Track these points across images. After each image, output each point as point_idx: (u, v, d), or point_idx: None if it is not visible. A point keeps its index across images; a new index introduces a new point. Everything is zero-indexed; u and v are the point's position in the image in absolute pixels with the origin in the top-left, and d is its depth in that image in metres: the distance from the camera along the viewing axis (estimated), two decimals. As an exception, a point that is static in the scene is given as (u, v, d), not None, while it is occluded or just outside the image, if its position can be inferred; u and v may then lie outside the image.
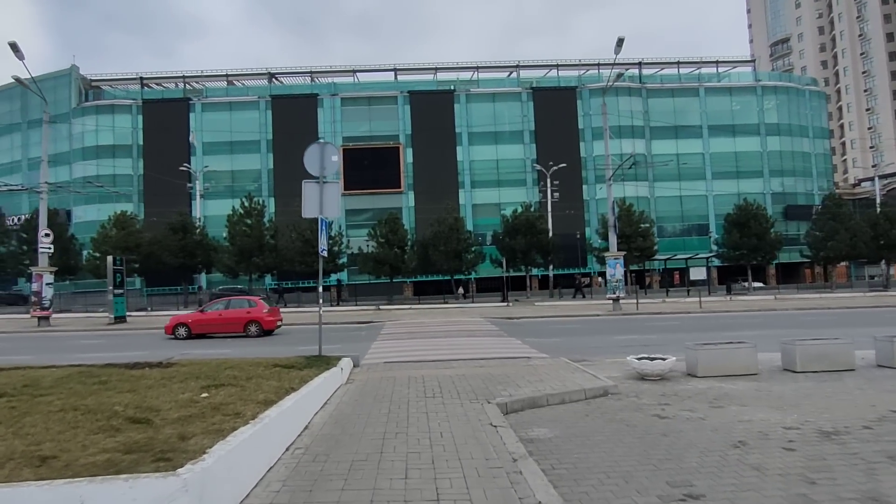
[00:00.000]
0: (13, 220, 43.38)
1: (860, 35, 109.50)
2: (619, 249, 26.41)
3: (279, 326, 20.10)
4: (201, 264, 37.55)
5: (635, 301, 27.17)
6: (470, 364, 10.95)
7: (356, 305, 36.25)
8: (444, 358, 11.97)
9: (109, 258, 25.58)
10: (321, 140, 10.90)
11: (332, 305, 36.70)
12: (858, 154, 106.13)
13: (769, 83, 59.50)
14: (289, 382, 6.95)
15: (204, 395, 6.02)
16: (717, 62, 59.60)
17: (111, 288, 25.39)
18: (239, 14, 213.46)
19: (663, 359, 9.75)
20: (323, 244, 10.70)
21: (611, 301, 26.34)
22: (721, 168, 56.72)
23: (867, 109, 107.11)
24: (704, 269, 38.98)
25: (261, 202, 37.96)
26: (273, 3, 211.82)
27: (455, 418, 6.59)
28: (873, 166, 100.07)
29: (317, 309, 11.97)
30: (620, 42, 24.19)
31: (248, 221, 36.81)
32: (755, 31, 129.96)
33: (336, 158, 10.85)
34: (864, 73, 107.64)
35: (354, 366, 11.04)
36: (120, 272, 26.20)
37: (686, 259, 40.01)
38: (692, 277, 38.96)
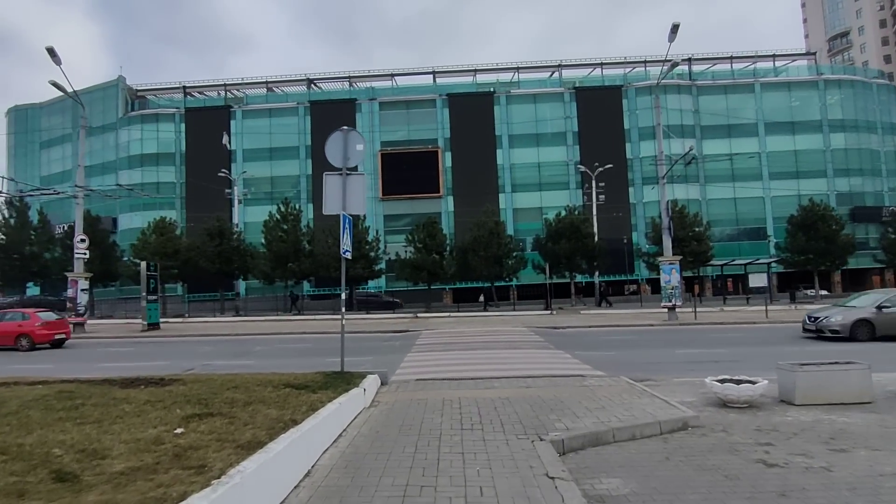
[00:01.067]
0: (61, 227, 44.24)
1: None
2: (673, 254, 24.32)
3: (60, 339, 19.21)
4: (238, 270, 37.19)
5: (692, 310, 24.98)
6: (514, 383, 9.44)
7: (393, 313, 35.11)
8: (485, 375, 10.49)
9: (143, 264, 25.19)
10: (345, 127, 9.67)
11: (366, 312, 35.68)
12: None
13: (832, 77, 55.67)
14: (292, 412, 5.62)
15: (179, 430, 4.75)
16: (773, 56, 56.20)
17: (144, 294, 24.97)
18: (285, 30, 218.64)
19: (752, 382, 8.02)
20: (346, 245, 9.42)
21: (665, 310, 24.26)
22: (779, 168, 53.25)
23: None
24: (765, 275, 36.07)
25: (297, 207, 37.38)
26: (318, 19, 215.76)
27: (498, 463, 5.12)
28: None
29: (345, 317, 10.73)
30: (675, 28, 22.28)
31: (284, 227, 36.24)
32: (811, 25, 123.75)
33: (361, 147, 9.58)
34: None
35: (382, 384, 9.71)
36: (154, 278, 25.78)
37: (745, 264, 37.18)
38: (752, 284, 36.09)
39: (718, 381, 8.28)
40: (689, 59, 55.32)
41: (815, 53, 61.75)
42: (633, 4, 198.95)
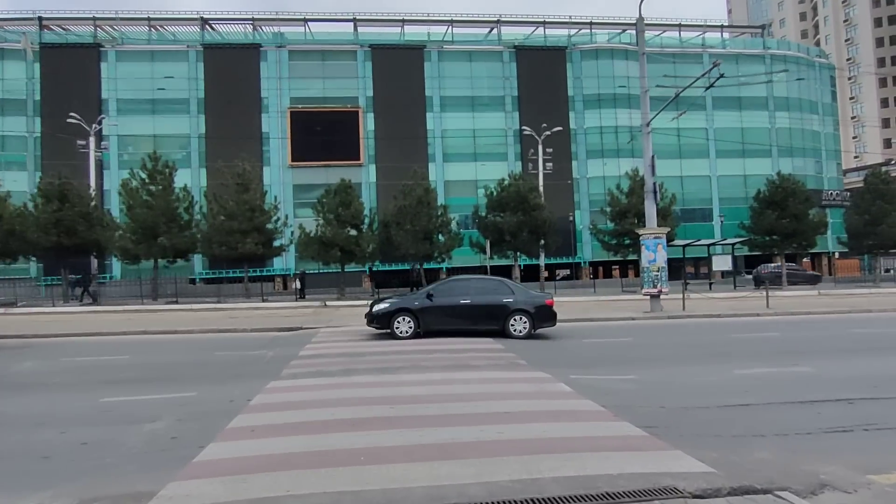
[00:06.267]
0: None
1: (845, 21, 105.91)
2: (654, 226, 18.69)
3: None
4: (88, 245, 28.10)
5: (679, 298, 19.57)
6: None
7: (296, 301, 27.71)
8: (416, 477, 3.83)
9: None
10: None
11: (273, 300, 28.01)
12: (841, 143, 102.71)
13: (778, 52, 53.00)
14: None
15: None
16: (721, 27, 52.80)
17: None
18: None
19: None
20: None
21: (647, 298, 18.67)
22: (726, 146, 50.03)
23: (851, 98, 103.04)
24: (730, 257, 31.84)
25: (171, 163, 28.79)
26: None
27: None
28: (855, 157, 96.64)
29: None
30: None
31: (152, 188, 27.72)
32: (735, 17, 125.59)
33: None
34: (848, 60, 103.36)
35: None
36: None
37: (709, 245, 32.78)
38: (715, 267, 31.82)
39: None
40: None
41: (763, 27, 59.11)
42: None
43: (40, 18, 45.46)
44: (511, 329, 12.43)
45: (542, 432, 5.38)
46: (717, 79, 16.90)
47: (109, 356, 11.59)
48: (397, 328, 12.32)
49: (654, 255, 17.99)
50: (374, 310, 12.71)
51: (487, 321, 12.60)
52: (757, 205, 33.63)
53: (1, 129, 42.71)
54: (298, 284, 30.62)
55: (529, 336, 12.47)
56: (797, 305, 20.11)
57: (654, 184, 18.55)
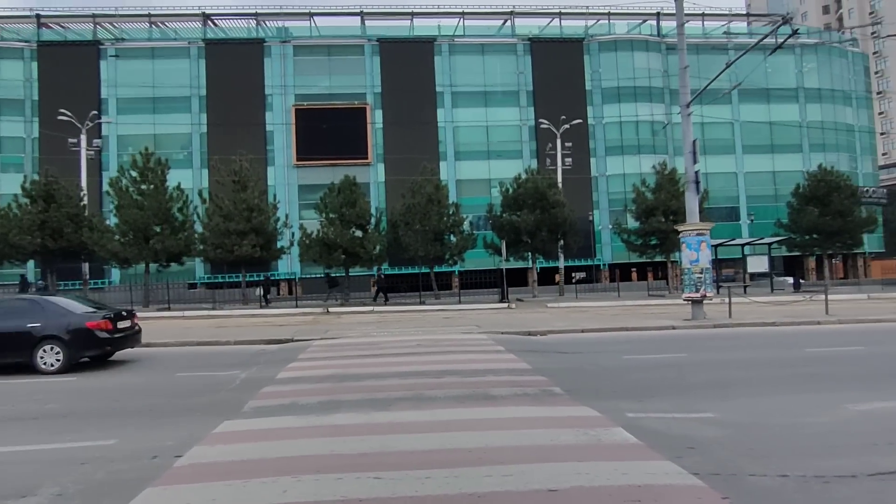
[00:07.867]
0: None
1: (871, 13, 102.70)
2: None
3: None
4: (76, 248, 26.35)
5: (723, 302, 17.18)
6: None
7: (296, 307, 25.63)
8: None
9: None
10: None
11: (259, 307, 26.07)
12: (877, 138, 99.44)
13: (809, 41, 50.22)
14: None
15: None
16: (747, 15, 50.24)
17: None
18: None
19: None
20: None
21: (686, 303, 16.36)
22: (753, 141, 47.49)
23: (878, 93, 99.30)
24: (766, 258, 29.34)
25: (164, 160, 26.94)
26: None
27: None
28: (884, 154, 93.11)
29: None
30: None
31: (144, 188, 25.90)
32: (755, 7, 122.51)
33: None
34: (874, 53, 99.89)
35: None
36: None
37: (742, 245, 30.31)
38: (750, 269, 29.34)
39: None
40: (658, 14, 48.46)
41: (789, 15, 56.26)
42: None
43: (38, 16, 44.19)
44: (40, 362, 9.88)
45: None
46: (788, 37, 14.52)
47: (53, 378, 9.60)
48: None
49: (696, 254, 15.68)
50: None
51: (9, 353, 10.01)
52: (796, 201, 31.09)
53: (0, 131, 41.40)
54: (262, 292, 28.28)
55: (68, 369, 9.94)
56: (859, 311, 17.70)
57: (697, 172, 16.22)
